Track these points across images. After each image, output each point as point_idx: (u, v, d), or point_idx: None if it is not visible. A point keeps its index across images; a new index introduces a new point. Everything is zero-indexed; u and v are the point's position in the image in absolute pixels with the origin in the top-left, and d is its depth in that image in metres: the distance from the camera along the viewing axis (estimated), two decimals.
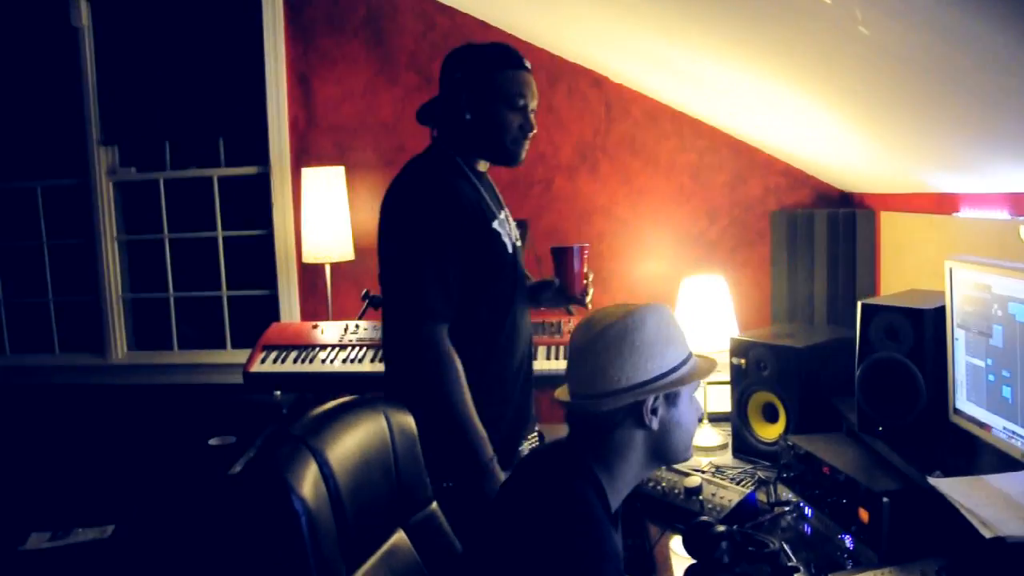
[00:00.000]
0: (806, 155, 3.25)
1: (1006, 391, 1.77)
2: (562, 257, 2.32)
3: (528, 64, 2.16)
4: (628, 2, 2.47)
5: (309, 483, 1.38)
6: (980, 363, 1.87)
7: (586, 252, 2.34)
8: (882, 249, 3.08)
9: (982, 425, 1.87)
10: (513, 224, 2.29)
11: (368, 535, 1.59)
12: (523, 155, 2.18)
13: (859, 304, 2.21)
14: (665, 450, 1.39)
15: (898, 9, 1.47)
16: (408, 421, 1.75)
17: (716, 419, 2.92)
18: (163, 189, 3.90)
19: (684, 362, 1.37)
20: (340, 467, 1.49)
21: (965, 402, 1.95)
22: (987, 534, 1.58)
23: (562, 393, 1.40)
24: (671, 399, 1.36)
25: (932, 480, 1.82)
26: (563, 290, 2.33)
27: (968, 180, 2.33)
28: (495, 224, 2.15)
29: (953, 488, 1.76)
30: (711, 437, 2.85)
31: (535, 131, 2.15)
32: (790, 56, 2.22)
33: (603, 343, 1.33)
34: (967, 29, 1.45)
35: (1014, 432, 1.74)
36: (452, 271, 2.03)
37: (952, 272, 1.95)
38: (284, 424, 1.89)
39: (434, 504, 1.78)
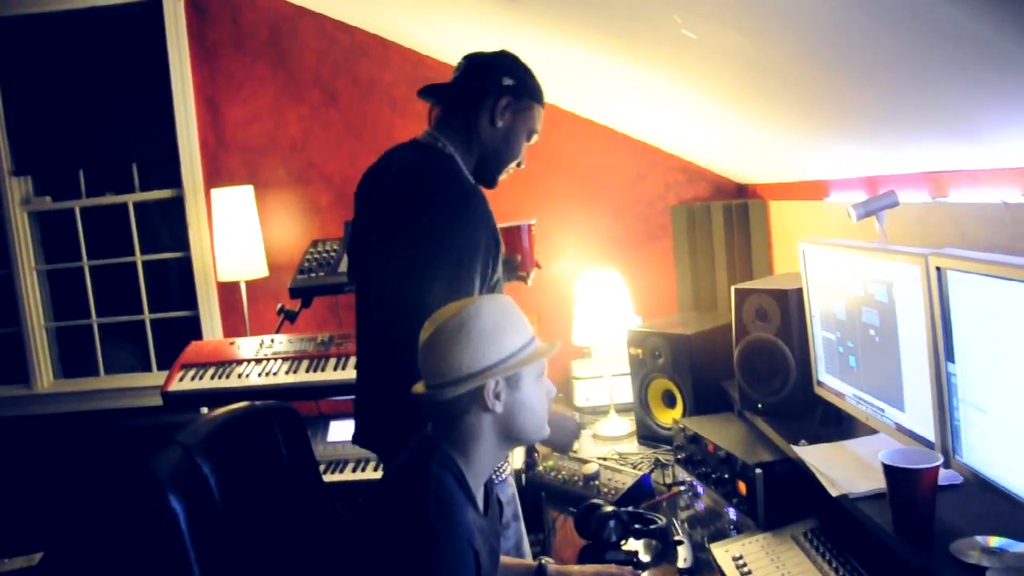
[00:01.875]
0: (700, 151, 3.39)
1: (852, 361, 1.91)
2: (516, 235, 2.27)
3: None
4: (507, 18, 2.59)
5: (188, 484, 1.46)
6: (832, 336, 2.01)
7: (534, 228, 2.32)
8: (773, 235, 3.24)
9: (838, 394, 2.01)
10: None
11: (259, 532, 1.67)
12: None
13: (732, 289, 2.35)
14: (516, 431, 1.48)
15: (711, 11, 1.59)
16: (298, 422, 1.84)
17: (623, 409, 3.04)
18: (79, 217, 3.92)
19: (524, 347, 1.47)
20: (224, 467, 1.57)
21: (825, 374, 2.09)
22: (834, 493, 1.72)
23: (418, 387, 1.49)
24: (512, 382, 1.45)
25: (797, 449, 1.96)
26: (518, 267, 2.25)
27: (830, 167, 2.48)
28: None
29: (812, 455, 1.90)
30: (618, 426, 2.97)
31: (523, 168, 2.15)
32: (641, 60, 2.35)
33: (444, 335, 1.43)
34: (773, 30, 1.58)
35: (861, 398, 1.88)
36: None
37: (805, 253, 2.09)
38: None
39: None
